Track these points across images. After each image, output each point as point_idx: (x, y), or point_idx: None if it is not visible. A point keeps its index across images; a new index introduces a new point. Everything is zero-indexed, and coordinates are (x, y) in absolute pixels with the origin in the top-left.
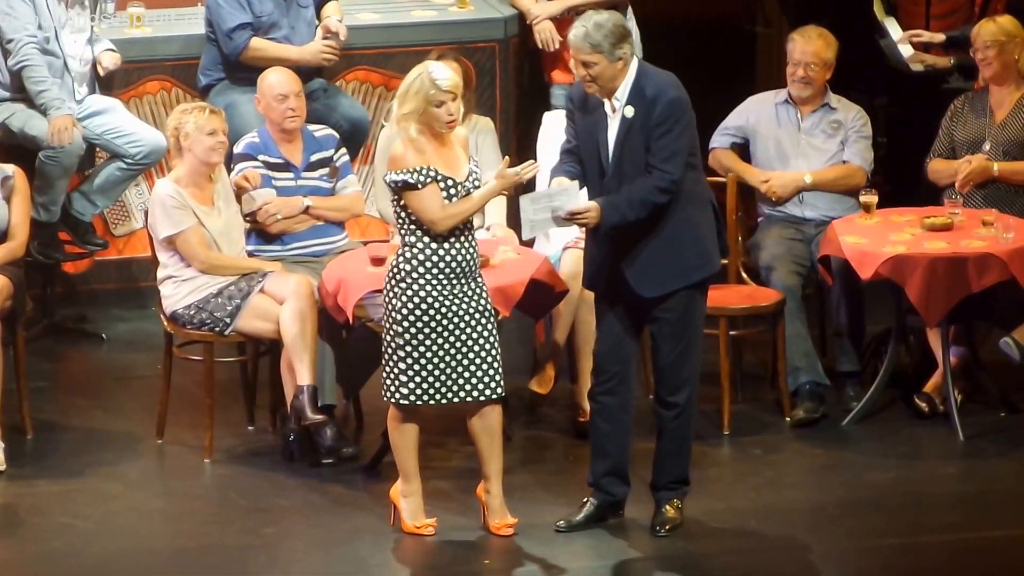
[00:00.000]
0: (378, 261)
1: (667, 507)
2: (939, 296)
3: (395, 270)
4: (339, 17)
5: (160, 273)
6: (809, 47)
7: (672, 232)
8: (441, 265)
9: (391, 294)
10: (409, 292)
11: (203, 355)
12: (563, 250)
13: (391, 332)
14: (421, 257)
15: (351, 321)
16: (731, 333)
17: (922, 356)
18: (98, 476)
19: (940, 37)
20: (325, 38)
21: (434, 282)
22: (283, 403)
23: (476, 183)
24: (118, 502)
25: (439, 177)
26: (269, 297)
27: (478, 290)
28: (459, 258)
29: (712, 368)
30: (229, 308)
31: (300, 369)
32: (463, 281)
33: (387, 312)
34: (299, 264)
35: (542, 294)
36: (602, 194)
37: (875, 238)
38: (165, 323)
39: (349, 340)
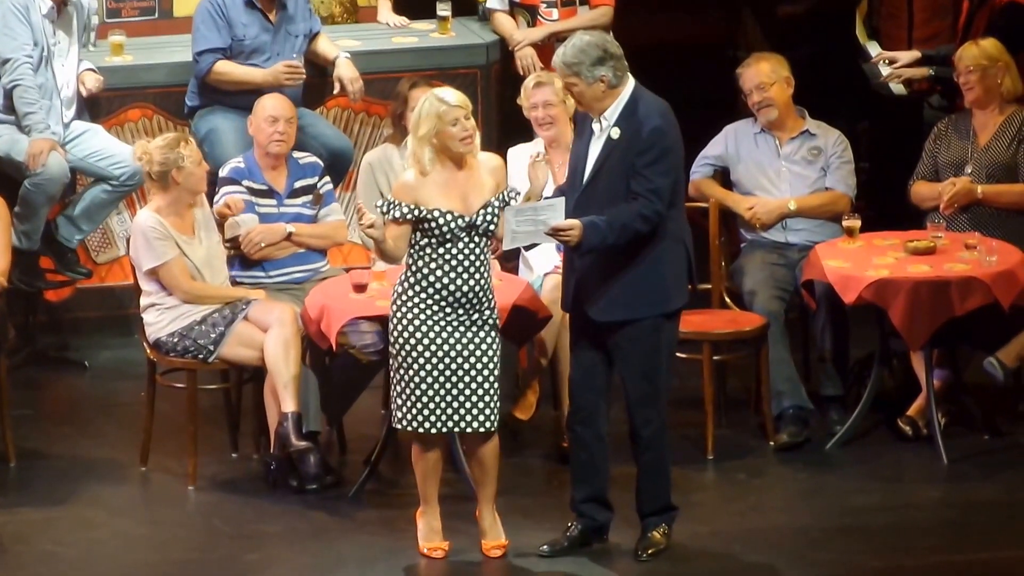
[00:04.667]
0: (360, 288)
1: (653, 532)
2: (922, 320)
3: (393, 292)
4: (338, 55)
5: (143, 301)
6: (756, 70)
7: (638, 264)
8: (431, 291)
9: (390, 314)
10: (399, 314)
11: (186, 382)
12: (544, 276)
13: (390, 353)
14: (412, 281)
15: (334, 348)
16: (714, 358)
17: (905, 380)
18: (81, 504)
19: (916, 55)
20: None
21: (423, 306)
22: (266, 430)
23: (490, 217)
24: (102, 530)
25: (417, 213)
26: (253, 325)
27: (480, 321)
28: (451, 287)
29: (695, 393)
30: (213, 336)
31: (284, 396)
32: (461, 311)
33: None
34: (281, 291)
35: (525, 320)
36: (574, 210)
37: (858, 262)
38: (148, 351)
39: (332, 367)
